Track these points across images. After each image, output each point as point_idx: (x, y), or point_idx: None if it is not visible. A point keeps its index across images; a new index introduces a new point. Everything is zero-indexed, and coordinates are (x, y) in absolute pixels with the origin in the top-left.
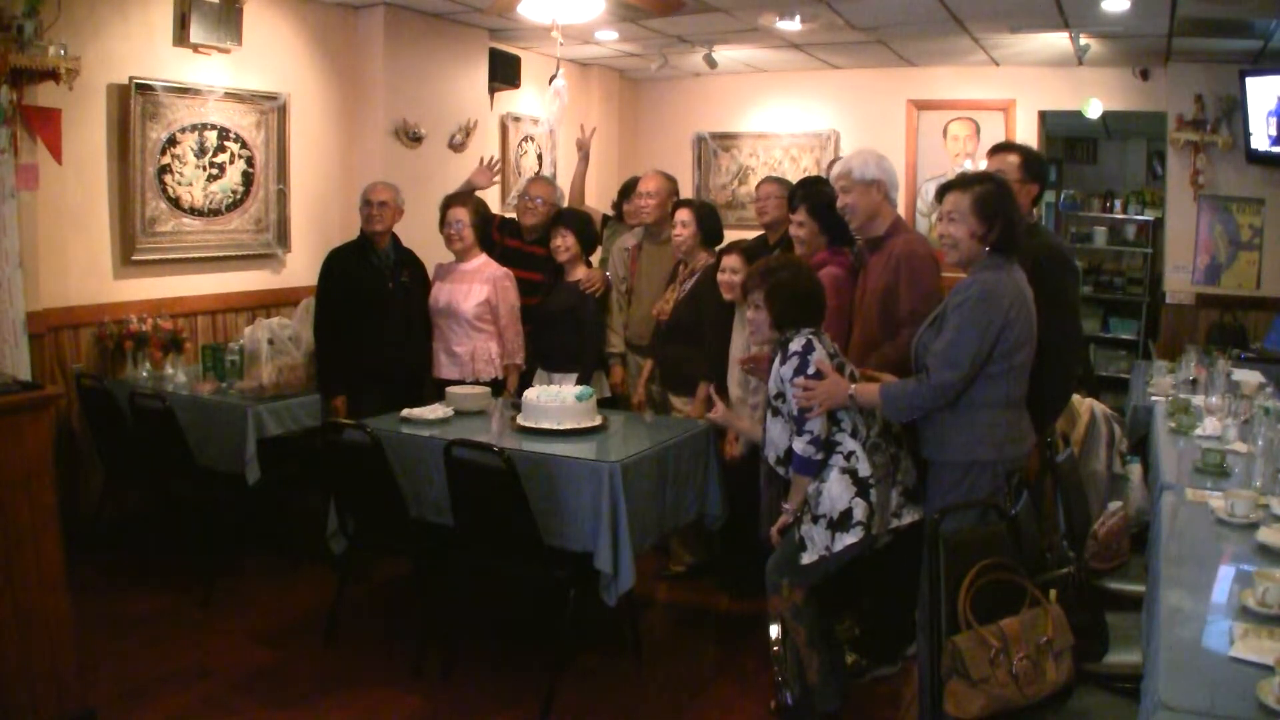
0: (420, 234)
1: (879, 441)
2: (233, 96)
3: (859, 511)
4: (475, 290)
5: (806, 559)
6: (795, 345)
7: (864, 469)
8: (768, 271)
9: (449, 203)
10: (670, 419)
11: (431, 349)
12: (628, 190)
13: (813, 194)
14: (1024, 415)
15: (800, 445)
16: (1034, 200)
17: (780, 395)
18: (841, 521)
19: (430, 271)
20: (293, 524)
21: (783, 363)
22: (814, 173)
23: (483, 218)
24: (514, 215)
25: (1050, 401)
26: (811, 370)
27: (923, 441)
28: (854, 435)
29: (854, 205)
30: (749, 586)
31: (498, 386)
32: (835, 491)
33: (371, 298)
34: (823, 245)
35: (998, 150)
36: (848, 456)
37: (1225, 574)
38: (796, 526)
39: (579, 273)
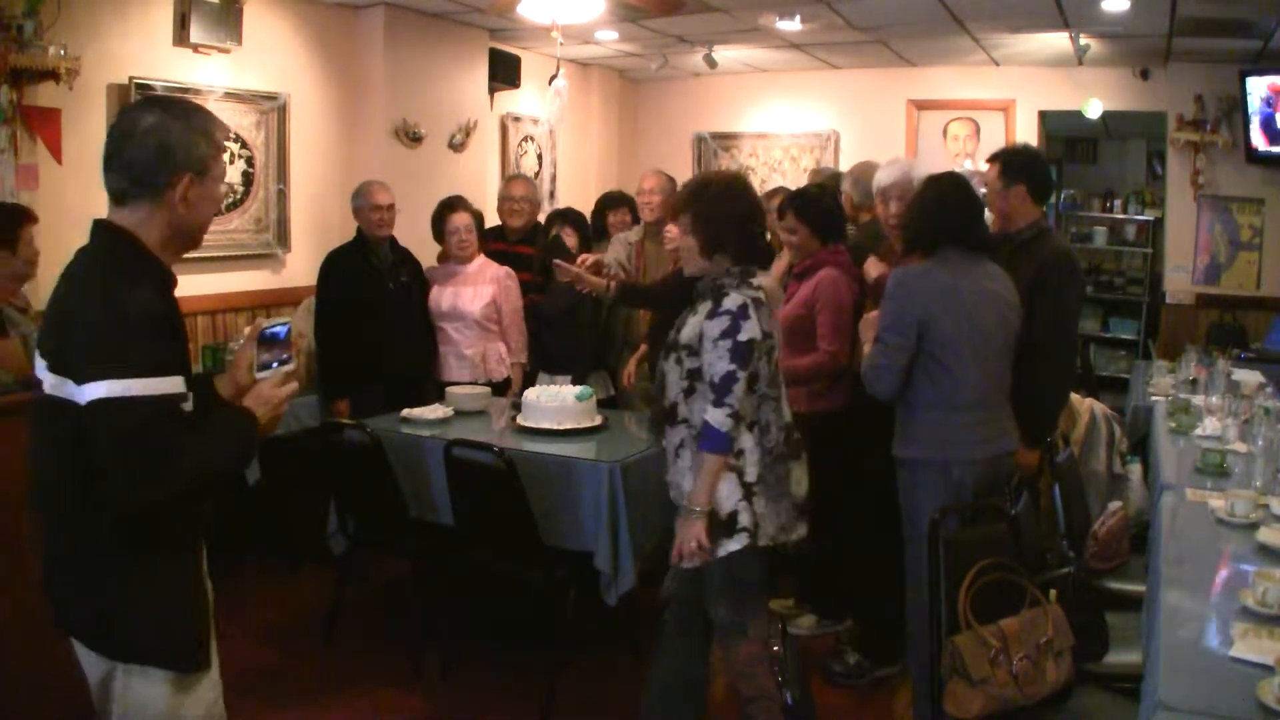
0: (419, 234)
1: (785, 450)
2: (232, 96)
3: (744, 517)
4: (481, 292)
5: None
6: (730, 304)
7: (751, 474)
8: (698, 188)
9: (450, 209)
10: None
11: (431, 348)
12: (611, 203)
13: (798, 197)
14: (981, 418)
15: (718, 417)
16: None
17: (693, 351)
18: (728, 524)
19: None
20: (293, 524)
21: (710, 316)
22: (814, 172)
23: (480, 221)
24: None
25: (1049, 401)
26: (744, 338)
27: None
28: (752, 429)
29: None
30: None
31: (506, 386)
32: (723, 491)
33: (371, 298)
34: (817, 247)
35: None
36: (737, 455)
37: (1225, 574)
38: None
39: None
